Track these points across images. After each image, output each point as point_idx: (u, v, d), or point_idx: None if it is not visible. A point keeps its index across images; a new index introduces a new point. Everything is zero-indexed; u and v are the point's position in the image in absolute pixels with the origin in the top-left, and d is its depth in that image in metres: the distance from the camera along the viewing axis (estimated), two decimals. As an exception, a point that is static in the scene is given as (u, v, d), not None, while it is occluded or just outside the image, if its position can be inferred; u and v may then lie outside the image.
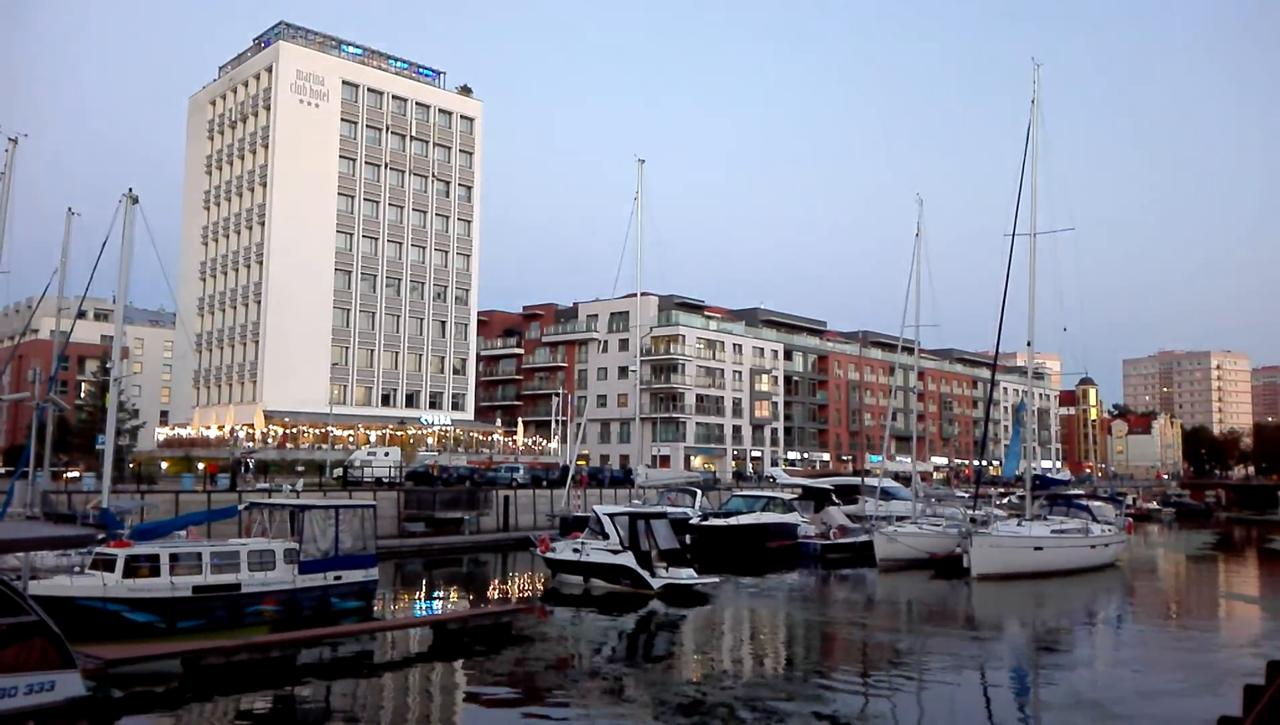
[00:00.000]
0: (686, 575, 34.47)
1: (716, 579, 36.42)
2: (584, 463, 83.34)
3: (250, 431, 78.66)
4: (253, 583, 25.81)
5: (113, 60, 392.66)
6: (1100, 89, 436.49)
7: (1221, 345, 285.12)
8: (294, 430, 79.84)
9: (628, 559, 34.30)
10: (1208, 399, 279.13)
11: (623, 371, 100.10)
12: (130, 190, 29.39)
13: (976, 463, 76.52)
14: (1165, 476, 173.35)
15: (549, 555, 37.49)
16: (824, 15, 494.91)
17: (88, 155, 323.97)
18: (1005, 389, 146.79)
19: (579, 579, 35.83)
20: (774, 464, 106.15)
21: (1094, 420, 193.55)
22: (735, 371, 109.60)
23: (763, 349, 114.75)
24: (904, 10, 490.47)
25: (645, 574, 33.80)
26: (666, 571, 34.30)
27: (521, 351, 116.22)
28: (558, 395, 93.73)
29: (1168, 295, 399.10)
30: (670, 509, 54.23)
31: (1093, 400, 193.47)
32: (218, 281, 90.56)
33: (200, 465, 64.38)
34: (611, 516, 35.79)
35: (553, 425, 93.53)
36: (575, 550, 36.14)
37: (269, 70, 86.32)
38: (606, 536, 35.33)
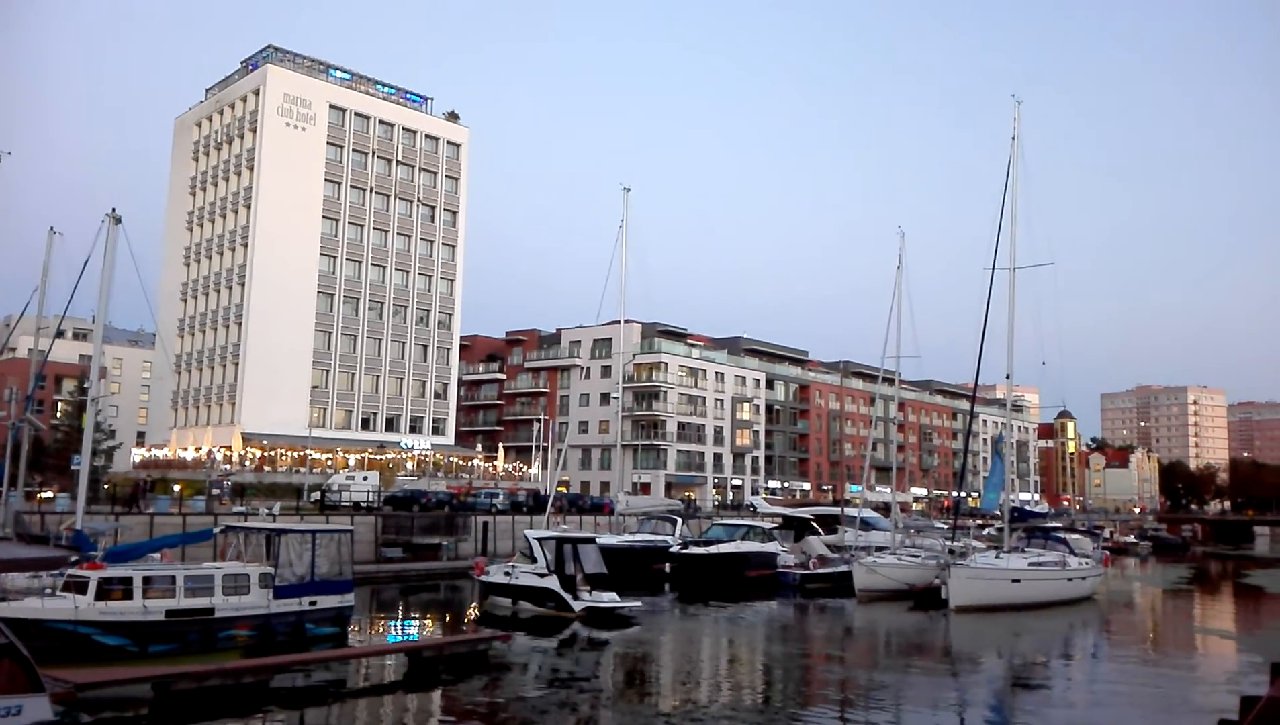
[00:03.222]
0: (609, 599, 35.44)
1: (639, 603, 37.09)
2: (564, 489, 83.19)
3: (228, 454, 78.02)
4: (226, 607, 25.55)
5: (99, 80, 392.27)
6: (1079, 125, 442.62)
7: (1198, 381, 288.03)
8: (272, 453, 79.23)
9: (552, 582, 35.10)
10: (1184, 434, 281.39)
11: (605, 398, 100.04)
12: (113, 210, 29.34)
13: (955, 494, 76.73)
14: (1142, 510, 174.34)
15: (483, 578, 38.07)
16: (808, 48, 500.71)
17: (72, 174, 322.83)
18: (984, 421, 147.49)
19: (508, 601, 36.37)
20: (754, 493, 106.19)
21: (1072, 453, 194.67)
22: (717, 399, 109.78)
23: (745, 377, 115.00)
24: (887, 44, 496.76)
25: (568, 597, 34.65)
26: (590, 595, 35.24)
27: (504, 377, 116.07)
28: (539, 421, 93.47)
29: (1146, 330, 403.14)
30: (650, 537, 54.34)
31: (1071, 433, 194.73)
32: (199, 302, 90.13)
33: (175, 487, 63.66)
34: (540, 540, 36.69)
35: (533, 451, 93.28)
36: (506, 573, 36.80)
37: (256, 93, 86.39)
38: (535, 560, 36.10)
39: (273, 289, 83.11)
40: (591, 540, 39.31)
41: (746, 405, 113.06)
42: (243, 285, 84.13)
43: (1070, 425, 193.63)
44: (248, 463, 77.22)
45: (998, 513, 53.20)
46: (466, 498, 63.62)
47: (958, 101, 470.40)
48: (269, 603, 26.47)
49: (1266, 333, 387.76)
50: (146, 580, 24.61)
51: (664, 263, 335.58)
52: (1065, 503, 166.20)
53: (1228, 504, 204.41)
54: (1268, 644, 30.08)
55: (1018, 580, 42.44)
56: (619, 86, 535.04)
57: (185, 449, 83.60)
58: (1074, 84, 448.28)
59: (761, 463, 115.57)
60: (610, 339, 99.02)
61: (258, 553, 28.45)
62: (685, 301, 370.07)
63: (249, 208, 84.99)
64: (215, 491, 58.65)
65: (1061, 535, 56.22)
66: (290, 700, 21.02)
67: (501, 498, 64.12)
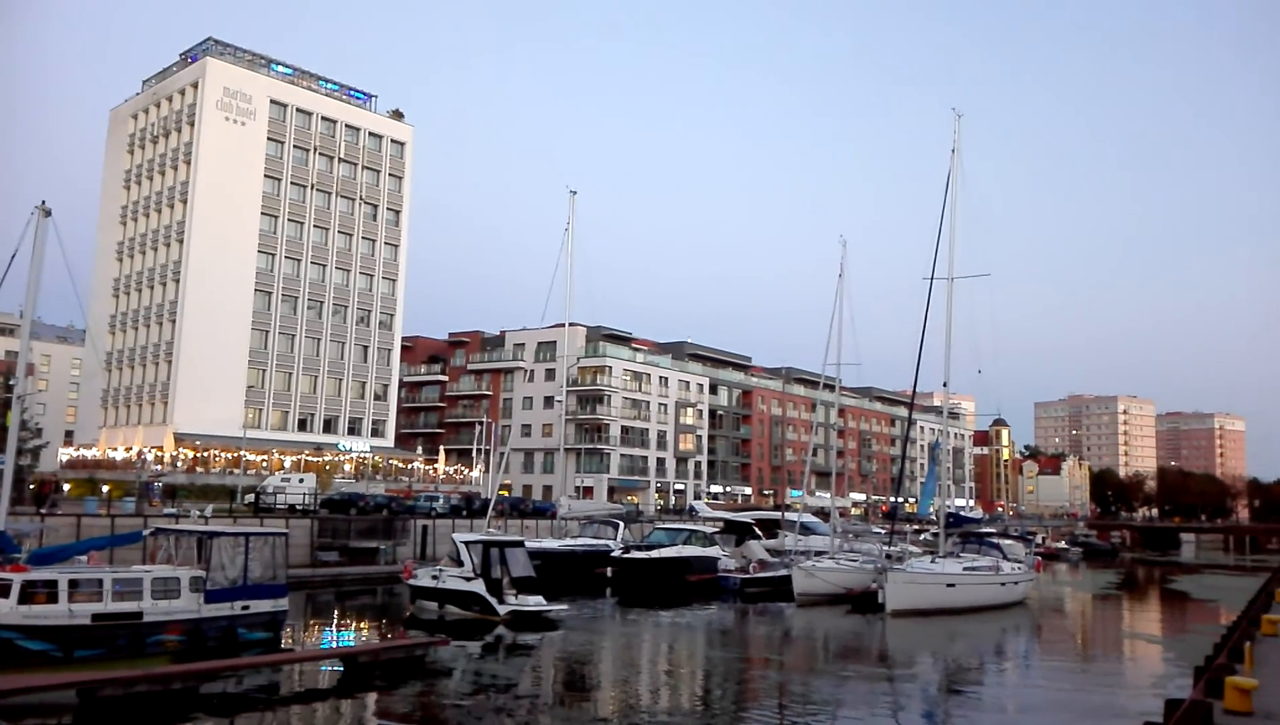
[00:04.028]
0: (534, 602, 35.64)
1: (565, 606, 37.20)
2: (506, 492, 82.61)
3: (159, 454, 76.19)
4: (156, 611, 24.90)
5: (30, 68, 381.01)
6: (1012, 136, 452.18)
7: (1128, 391, 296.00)
8: (205, 454, 77.57)
9: (478, 586, 35.18)
10: (1114, 442, 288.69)
11: (548, 401, 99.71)
12: (43, 202, 28.50)
13: (893, 499, 77.79)
14: (1074, 516, 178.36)
15: (411, 582, 38.01)
16: (754, 59, 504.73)
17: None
18: (922, 428, 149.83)
19: (435, 605, 36.42)
20: (697, 497, 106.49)
21: (1006, 460, 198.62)
22: (661, 404, 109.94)
23: (688, 382, 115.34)
24: (832, 56, 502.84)
25: (493, 600, 34.79)
26: (516, 598, 35.37)
27: (446, 378, 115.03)
28: (481, 424, 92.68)
29: (1078, 341, 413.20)
30: (592, 541, 54.25)
31: (1005, 441, 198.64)
32: (131, 299, 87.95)
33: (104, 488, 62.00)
34: (467, 544, 36.62)
35: (475, 454, 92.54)
36: (434, 577, 36.80)
37: (195, 86, 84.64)
38: (462, 564, 36.14)
39: (208, 286, 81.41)
40: (520, 544, 39.40)
41: (690, 410, 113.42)
42: (177, 282, 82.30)
43: (1005, 433, 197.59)
44: (180, 463, 75.51)
45: (934, 518, 54.09)
46: (415, 501, 62.73)
47: (902, 111, 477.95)
48: (200, 607, 25.87)
49: (1194, 345, 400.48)
50: (72, 583, 23.90)
51: (609, 266, 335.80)
52: (999, 509, 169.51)
53: (1156, 511, 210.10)
54: (1192, 648, 30.88)
55: (952, 585, 43.15)
56: (566, 90, 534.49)
57: (115, 449, 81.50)
58: (1011, 97, 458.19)
59: (704, 467, 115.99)
60: (555, 342, 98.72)
61: (189, 556, 27.81)
62: (630, 306, 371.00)
63: (185, 203, 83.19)
64: (134, 494, 57.09)
65: (995, 541, 57.33)
66: (221, 707, 20.58)
67: (442, 501, 63.53)
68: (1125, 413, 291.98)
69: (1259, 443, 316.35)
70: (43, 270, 28.53)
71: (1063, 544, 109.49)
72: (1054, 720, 23.02)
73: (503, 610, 34.68)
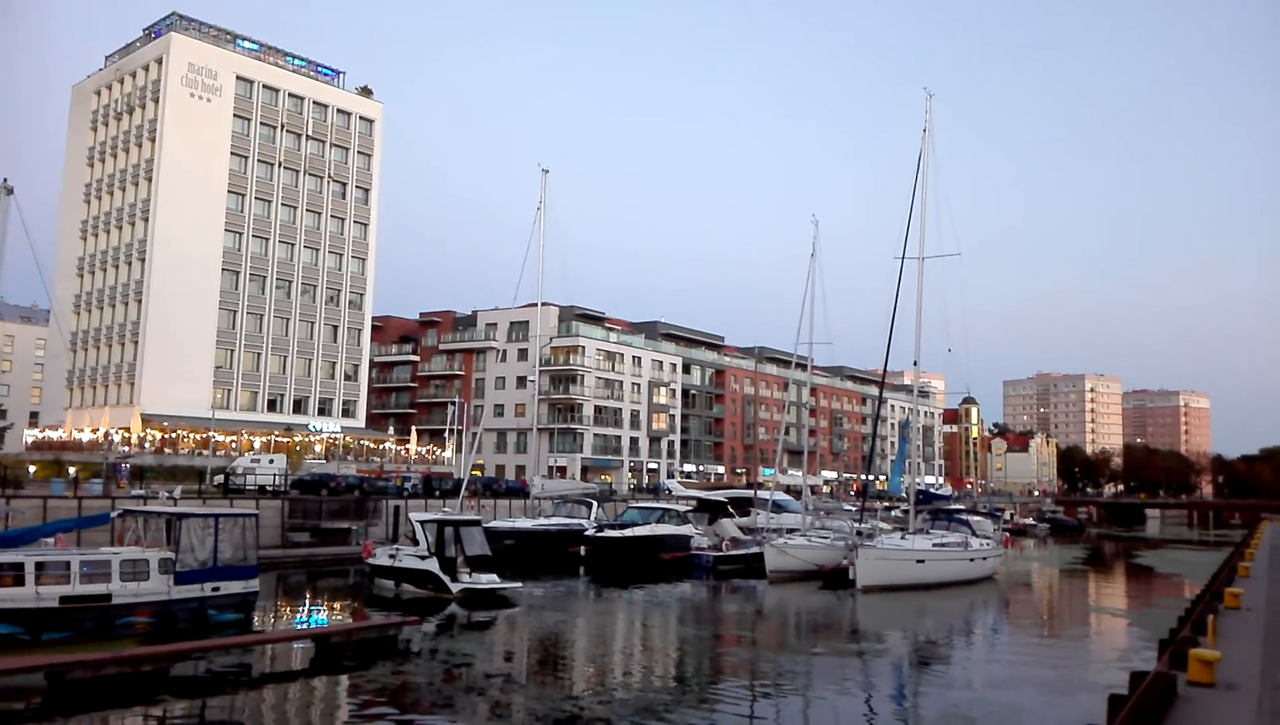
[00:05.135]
0: (488, 580, 36.06)
1: (519, 584, 37.63)
2: (479, 472, 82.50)
3: (126, 435, 75.34)
4: (125, 593, 24.72)
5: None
6: (984, 117, 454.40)
7: (1095, 369, 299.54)
8: (173, 435, 76.77)
9: (431, 564, 35.76)
10: (1082, 420, 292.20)
11: (521, 381, 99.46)
12: (4, 180, 28.07)
13: (864, 477, 78.45)
14: (1041, 493, 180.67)
15: (370, 561, 38.57)
16: (731, 38, 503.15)
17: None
18: (893, 406, 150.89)
19: (392, 583, 36.95)
20: (670, 476, 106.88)
21: (975, 438, 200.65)
22: (634, 383, 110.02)
23: (661, 362, 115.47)
24: (805, 34, 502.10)
25: (446, 579, 35.28)
26: (469, 577, 35.82)
27: (417, 358, 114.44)
28: (454, 404, 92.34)
29: (1046, 319, 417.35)
30: (566, 520, 54.39)
31: (974, 419, 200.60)
32: (96, 278, 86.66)
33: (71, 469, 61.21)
34: (423, 523, 37.23)
35: (447, 434, 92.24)
36: (391, 556, 37.43)
37: (159, 61, 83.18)
38: (418, 543, 36.72)
39: (175, 265, 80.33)
40: (477, 523, 39.81)
41: (663, 389, 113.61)
42: (143, 261, 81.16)
43: (974, 411, 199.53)
44: (147, 444, 74.71)
45: (904, 495, 54.57)
46: (398, 483, 62.29)
47: (876, 91, 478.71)
48: (169, 589, 25.70)
49: (1160, 323, 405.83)
50: (39, 566, 23.68)
51: (583, 246, 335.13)
52: (968, 485, 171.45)
53: (1121, 487, 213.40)
54: (1156, 621, 31.45)
55: (922, 561, 43.65)
56: (539, 68, 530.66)
57: (81, 430, 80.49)
58: (985, 80, 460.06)
59: (677, 446, 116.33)
60: (527, 321, 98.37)
61: (158, 537, 27.61)
62: (603, 285, 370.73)
63: (150, 181, 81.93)
64: (101, 475, 56.42)
65: (964, 517, 57.97)
66: (192, 689, 20.46)
67: (414, 481, 63.37)
68: (1092, 391, 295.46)
69: (1223, 420, 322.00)
70: (5, 249, 28.14)
71: (1030, 520, 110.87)
72: (1021, 694, 23.35)
73: (455, 588, 35.09)
